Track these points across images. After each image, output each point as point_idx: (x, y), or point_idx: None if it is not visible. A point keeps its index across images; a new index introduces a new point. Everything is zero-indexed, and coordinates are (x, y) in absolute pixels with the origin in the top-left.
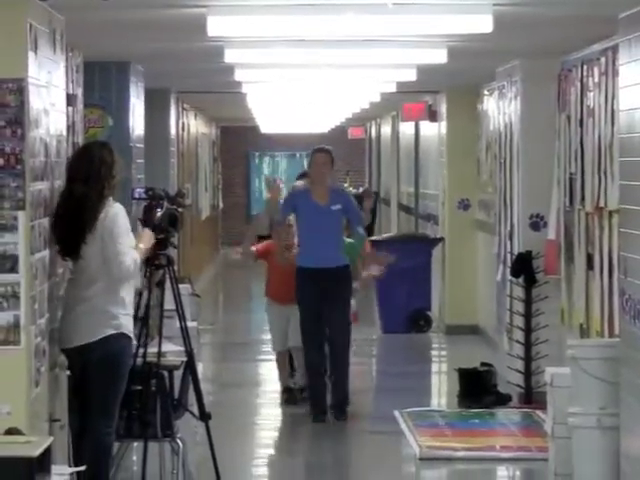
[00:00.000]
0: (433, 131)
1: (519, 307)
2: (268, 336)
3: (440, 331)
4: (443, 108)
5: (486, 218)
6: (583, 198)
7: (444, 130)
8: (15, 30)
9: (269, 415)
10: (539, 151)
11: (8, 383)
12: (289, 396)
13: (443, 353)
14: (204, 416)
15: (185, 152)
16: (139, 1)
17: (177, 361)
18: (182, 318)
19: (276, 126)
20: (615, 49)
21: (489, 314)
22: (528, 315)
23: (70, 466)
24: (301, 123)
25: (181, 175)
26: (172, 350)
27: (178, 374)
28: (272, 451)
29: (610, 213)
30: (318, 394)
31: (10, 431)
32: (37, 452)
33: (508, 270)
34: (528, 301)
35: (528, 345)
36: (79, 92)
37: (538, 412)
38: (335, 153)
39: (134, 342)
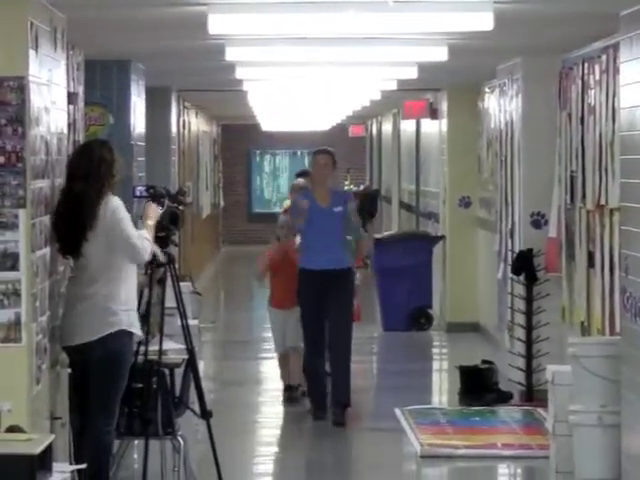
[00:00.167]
0: (434, 129)
1: (520, 305)
2: (269, 334)
3: (441, 329)
4: (444, 106)
5: (487, 216)
6: (584, 196)
7: (445, 128)
8: (16, 28)
9: (270, 413)
10: (540, 149)
11: (9, 381)
12: (290, 395)
13: (444, 351)
14: (205, 414)
15: (186, 150)
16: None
17: (178, 359)
18: (183, 316)
19: (277, 124)
20: (616, 47)
21: (490, 312)
22: (529, 313)
23: (71, 464)
24: (302, 121)
25: (182, 173)
26: (173, 348)
27: (179, 372)
28: (273, 449)
29: (611, 211)
30: (318, 393)
31: (11, 429)
32: (38, 450)
33: (509, 268)
34: (529, 299)
35: (529, 343)
36: (80, 90)
37: (539, 410)
38: (336, 151)
39: (140, 334)
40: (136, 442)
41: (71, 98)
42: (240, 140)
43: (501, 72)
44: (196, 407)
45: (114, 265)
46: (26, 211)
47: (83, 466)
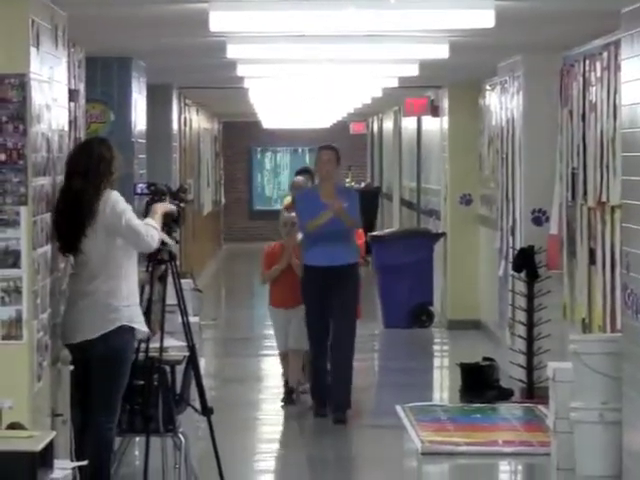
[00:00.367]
0: (435, 126)
1: (521, 302)
2: (270, 331)
3: (442, 326)
4: (445, 103)
5: (488, 213)
6: (585, 193)
7: (446, 125)
8: (17, 26)
9: (271, 410)
10: (541, 146)
11: (10, 378)
12: (289, 396)
13: (445, 348)
14: (206, 411)
15: (187, 147)
16: None
17: (179, 356)
18: (184, 313)
19: (278, 121)
20: (617, 44)
21: (491, 309)
22: (530, 310)
23: (72, 461)
24: (303, 118)
25: (183, 170)
26: (174, 345)
27: (180, 369)
28: (274, 446)
29: (612, 208)
30: (320, 391)
31: (12, 426)
32: (39, 447)
33: (510, 265)
34: (530, 296)
35: (530, 340)
36: (81, 87)
37: (540, 407)
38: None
39: (145, 330)
40: (137, 439)
41: (72, 95)
42: (241, 137)
43: (502, 69)
44: (197, 404)
45: (114, 261)
46: (27, 208)
47: (84, 463)
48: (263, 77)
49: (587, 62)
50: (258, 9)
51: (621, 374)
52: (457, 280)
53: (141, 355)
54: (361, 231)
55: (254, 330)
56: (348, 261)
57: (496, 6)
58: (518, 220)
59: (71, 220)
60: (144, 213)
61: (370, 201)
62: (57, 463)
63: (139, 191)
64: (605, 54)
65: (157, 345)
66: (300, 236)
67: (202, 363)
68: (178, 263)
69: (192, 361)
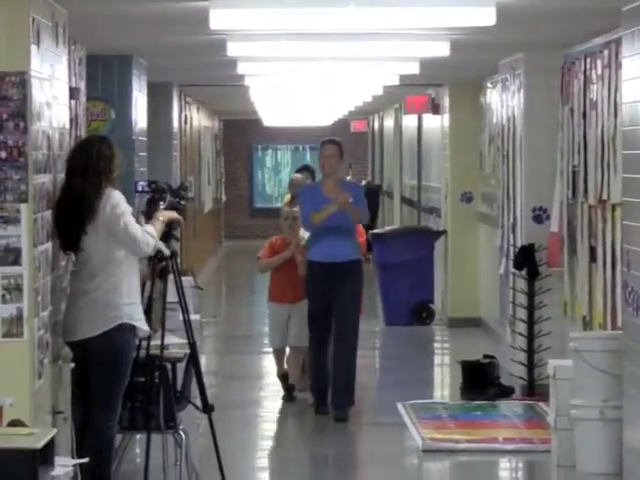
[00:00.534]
0: (436, 124)
1: (522, 299)
2: None
3: (443, 323)
4: (446, 101)
5: (489, 211)
6: (586, 191)
7: (447, 123)
8: (18, 23)
9: (272, 407)
10: (542, 144)
11: (11, 375)
12: (289, 394)
13: (446, 345)
14: (207, 408)
15: (188, 145)
16: None
17: (180, 353)
18: (185, 311)
19: (279, 119)
20: (618, 42)
21: (492, 307)
22: (531, 307)
23: (73, 458)
24: (304, 116)
25: (184, 168)
26: (175, 342)
27: (181, 366)
28: (275, 443)
29: (613, 206)
30: (322, 389)
31: (13, 423)
32: (40, 444)
33: (511, 263)
34: (531, 293)
35: (531, 337)
36: (82, 85)
37: (541, 404)
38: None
39: (146, 328)
40: (138, 436)
41: (73, 93)
42: (242, 135)
43: (503, 67)
44: (198, 401)
45: (115, 259)
46: (28, 206)
47: (85, 460)
48: (264, 75)
49: (588, 60)
50: (258, 7)
51: (622, 371)
52: (458, 278)
53: (142, 352)
54: (362, 229)
55: (255, 327)
56: (351, 257)
57: (497, 4)
58: (519, 218)
59: (72, 218)
60: (145, 211)
61: (371, 199)
62: (58, 460)
63: (140, 189)
64: (606, 52)
65: (158, 342)
66: (303, 233)
67: (203, 360)
68: (179, 261)
69: (193, 358)
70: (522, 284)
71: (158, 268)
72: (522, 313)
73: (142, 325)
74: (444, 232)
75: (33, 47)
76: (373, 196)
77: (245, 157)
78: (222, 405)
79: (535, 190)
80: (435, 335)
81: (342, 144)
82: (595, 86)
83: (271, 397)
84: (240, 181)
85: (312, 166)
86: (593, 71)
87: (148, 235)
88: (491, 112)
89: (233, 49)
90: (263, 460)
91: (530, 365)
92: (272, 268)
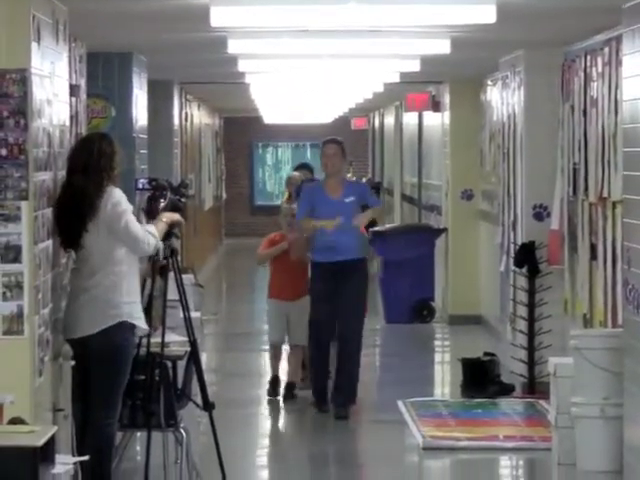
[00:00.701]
0: (436, 121)
1: (522, 297)
2: None
3: (443, 321)
4: (446, 98)
5: (489, 208)
6: (587, 188)
7: (447, 120)
8: (18, 21)
9: (272, 405)
10: (542, 141)
11: (12, 373)
12: (290, 392)
13: (446, 343)
14: (207, 406)
15: (188, 143)
16: None
17: (181, 351)
18: (185, 308)
19: (279, 117)
20: (619, 39)
21: (492, 304)
22: (531, 305)
23: (74, 456)
24: (304, 114)
25: (184, 166)
26: (175, 340)
27: (182, 364)
28: (275, 441)
29: (613, 203)
30: (323, 389)
31: (14, 421)
32: (41, 442)
33: (511, 260)
34: (531, 291)
35: (531, 335)
36: (82, 82)
37: (541, 402)
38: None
39: (145, 327)
40: (138, 434)
41: (73, 90)
42: (242, 133)
43: (503, 65)
44: (198, 399)
45: (115, 257)
46: (28, 203)
47: (85, 458)
48: (264, 72)
49: (588, 57)
50: (259, 4)
51: (622, 369)
52: (458, 275)
53: (142, 350)
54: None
55: (255, 325)
56: (357, 255)
57: (497, 1)
58: (519, 215)
59: (72, 215)
60: (146, 209)
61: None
62: (58, 458)
63: (140, 186)
64: (606, 49)
65: (158, 340)
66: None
67: (203, 358)
68: (179, 258)
69: (193, 356)
70: (522, 282)
71: (158, 266)
72: (523, 311)
73: (141, 324)
74: (445, 230)
75: (33, 44)
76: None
77: (246, 155)
78: (223, 403)
79: (536, 188)
80: (436, 333)
81: (344, 143)
82: (595, 83)
83: None
84: (241, 179)
85: (311, 164)
86: (593, 68)
87: (149, 235)
88: (491, 110)
89: (234, 46)
90: (263, 458)
91: (530, 363)
92: (272, 265)
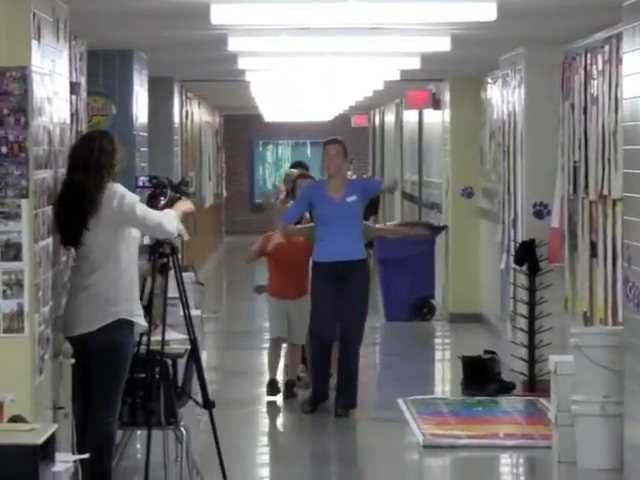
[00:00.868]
0: (437, 119)
1: (523, 295)
2: None
3: (444, 319)
4: (447, 96)
5: (490, 206)
6: (587, 186)
7: (448, 118)
8: (19, 18)
9: (273, 403)
10: (543, 139)
11: (12, 371)
12: (289, 390)
13: (447, 341)
14: (208, 404)
15: (189, 140)
16: None
17: (181, 349)
18: (186, 306)
19: (280, 114)
20: (619, 37)
21: (492, 302)
22: (532, 303)
23: (74, 454)
24: (305, 111)
25: (185, 163)
26: (176, 338)
27: (182, 362)
28: (276, 439)
29: (614, 201)
30: (323, 392)
31: (14, 419)
32: (41, 440)
33: (512, 258)
34: (532, 289)
35: (532, 333)
36: (83, 80)
37: (542, 400)
38: None
39: (144, 324)
40: (139, 432)
41: (74, 88)
42: (243, 130)
43: (504, 62)
44: (199, 397)
45: (115, 254)
46: (29, 201)
47: (86, 456)
48: (264, 70)
49: (589, 55)
50: (259, 2)
51: (622, 367)
52: (459, 273)
53: (142, 348)
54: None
55: (255, 323)
56: (358, 256)
57: None
58: (520, 213)
59: (73, 212)
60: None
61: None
62: (59, 456)
63: (140, 184)
64: (607, 47)
65: (159, 338)
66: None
67: (204, 356)
68: (180, 256)
69: (194, 354)
70: (523, 280)
71: (159, 264)
72: (523, 309)
73: (140, 321)
74: (445, 227)
75: (34, 42)
76: (371, 207)
77: (246, 152)
78: (223, 401)
79: (536, 185)
80: (436, 331)
81: (345, 143)
82: (596, 81)
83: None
84: (241, 176)
85: (305, 162)
86: (594, 66)
87: (170, 216)
88: (492, 107)
89: (234, 44)
90: (264, 456)
91: (531, 361)
92: (271, 263)
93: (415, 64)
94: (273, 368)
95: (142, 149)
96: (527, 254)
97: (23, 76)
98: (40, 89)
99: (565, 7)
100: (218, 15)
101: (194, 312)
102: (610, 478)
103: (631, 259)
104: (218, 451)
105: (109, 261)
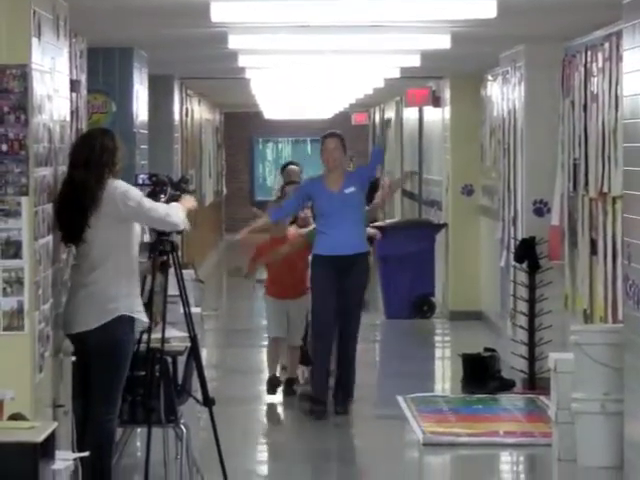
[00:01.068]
0: (437, 117)
1: (523, 293)
2: None
3: (444, 317)
4: (447, 94)
5: (490, 204)
6: (587, 183)
7: (448, 116)
8: (19, 16)
9: (273, 401)
10: (543, 137)
11: (12, 368)
12: (289, 388)
13: (447, 339)
14: (208, 402)
15: (189, 138)
16: None
17: (181, 347)
18: (186, 304)
19: (280, 112)
20: (619, 35)
21: (493, 300)
22: (532, 301)
23: (74, 452)
24: (305, 109)
25: (185, 161)
26: (176, 336)
27: (182, 360)
28: (275, 436)
29: (614, 199)
30: (323, 390)
31: (14, 417)
32: (41, 438)
33: (512, 256)
34: (532, 287)
35: (532, 331)
36: (83, 78)
37: (542, 398)
38: None
39: (145, 320)
40: (139, 430)
41: (74, 86)
42: (243, 128)
43: (504, 60)
44: (198, 395)
45: (116, 251)
46: (29, 199)
47: (86, 454)
48: (264, 68)
49: (589, 53)
50: None
51: (622, 365)
52: (458, 271)
53: (142, 346)
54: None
55: (256, 321)
56: (359, 249)
57: None
58: (520, 211)
59: (74, 209)
60: None
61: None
62: (58, 454)
63: (141, 182)
64: (607, 45)
65: (159, 336)
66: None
67: (204, 354)
68: (180, 254)
69: (194, 352)
70: (523, 277)
71: (159, 261)
72: (523, 306)
73: (142, 317)
74: (445, 225)
75: (34, 40)
76: (373, 189)
77: (246, 150)
78: (223, 399)
79: (536, 183)
80: (436, 328)
81: (343, 136)
82: (596, 79)
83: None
84: (241, 174)
85: (296, 161)
86: (594, 64)
87: (176, 208)
88: (492, 105)
89: (234, 42)
90: (264, 453)
91: (531, 358)
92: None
93: (415, 62)
94: (272, 366)
95: (142, 147)
96: (527, 252)
97: (23, 74)
98: (40, 87)
99: (565, 4)
100: (218, 13)
101: (194, 310)
102: (610, 476)
103: (631, 257)
104: (218, 448)
105: (109, 259)
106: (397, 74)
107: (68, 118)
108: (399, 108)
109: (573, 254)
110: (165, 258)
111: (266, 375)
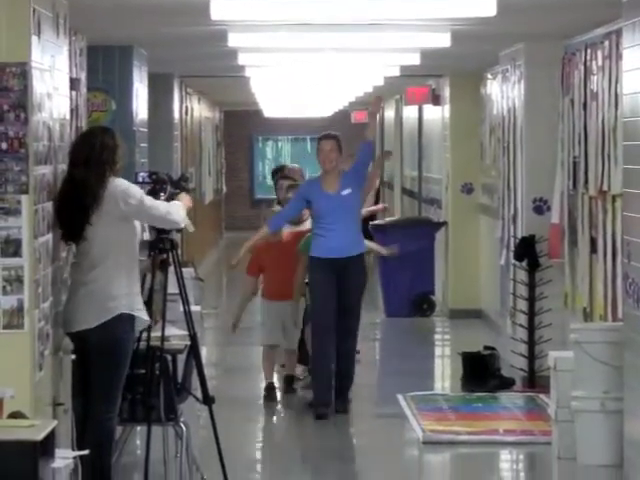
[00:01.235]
0: (436, 115)
1: (522, 291)
2: None
3: (443, 315)
4: (447, 92)
5: (489, 202)
6: (587, 182)
7: (447, 114)
8: (19, 14)
9: (272, 399)
10: (542, 135)
11: (12, 367)
12: (288, 386)
13: (446, 337)
14: (207, 400)
15: (189, 136)
16: None
17: (181, 345)
18: (185, 302)
19: (280, 110)
20: (619, 33)
21: (492, 298)
22: (531, 299)
23: (74, 450)
24: (305, 107)
25: (184, 159)
26: (175, 334)
27: (182, 358)
28: (275, 435)
29: (613, 197)
30: (326, 391)
31: (14, 415)
32: (41, 436)
33: (511, 254)
34: (531, 285)
35: (531, 329)
36: (82, 76)
37: (541, 396)
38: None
39: (146, 318)
40: (138, 428)
41: (73, 84)
42: (242, 126)
43: (504, 58)
44: (198, 393)
45: (116, 250)
46: (29, 197)
47: (85, 452)
48: (264, 66)
49: (588, 51)
50: None
51: (622, 363)
52: (458, 269)
53: (142, 344)
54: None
55: (255, 319)
56: (356, 251)
57: None
58: (519, 209)
59: (74, 207)
60: None
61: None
62: (58, 452)
63: (140, 180)
64: (606, 43)
65: (158, 334)
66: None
67: (203, 352)
68: (179, 252)
69: (193, 350)
70: (523, 275)
71: (159, 260)
72: (523, 304)
73: (142, 315)
74: (445, 223)
75: (34, 38)
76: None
77: (246, 148)
78: (223, 397)
79: (536, 181)
80: (436, 326)
81: (340, 137)
82: (595, 77)
83: None
84: (241, 172)
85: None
86: (594, 62)
87: (177, 206)
88: (492, 103)
89: (234, 40)
90: (264, 451)
91: (531, 357)
92: (266, 264)
93: (415, 60)
94: (269, 373)
95: (142, 145)
96: (527, 250)
97: (23, 72)
98: (40, 85)
99: (565, 2)
100: (218, 11)
101: (194, 308)
102: (610, 474)
103: (631, 255)
104: (218, 447)
105: (109, 257)
106: (397, 72)
107: (68, 116)
108: (399, 106)
109: (573, 252)
110: (165, 256)
111: None
